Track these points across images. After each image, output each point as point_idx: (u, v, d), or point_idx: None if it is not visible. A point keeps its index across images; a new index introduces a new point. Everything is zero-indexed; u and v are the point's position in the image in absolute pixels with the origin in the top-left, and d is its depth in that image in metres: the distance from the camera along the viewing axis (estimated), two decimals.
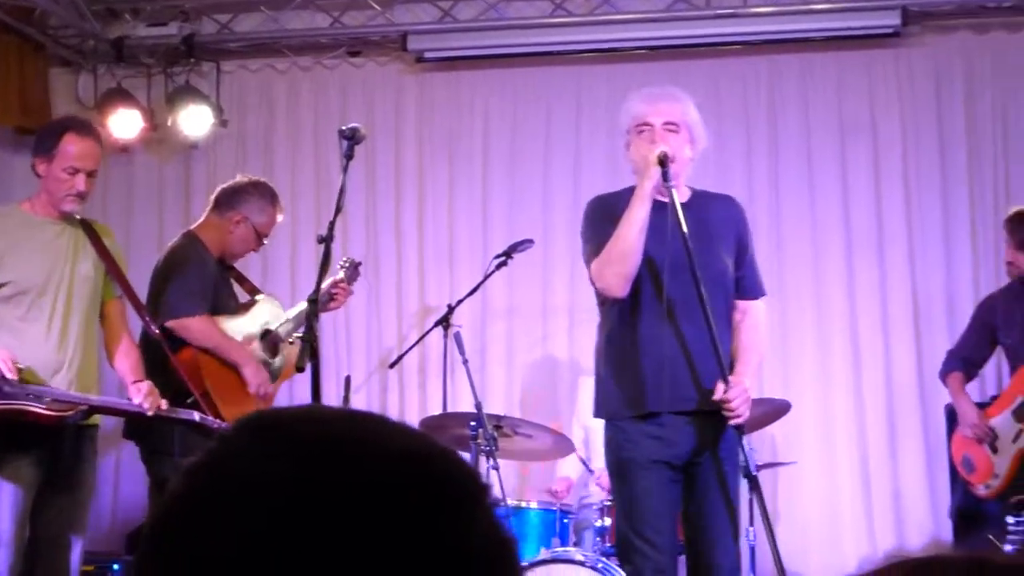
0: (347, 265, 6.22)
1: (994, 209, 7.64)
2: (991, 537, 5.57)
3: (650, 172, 4.49)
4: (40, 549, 5.04)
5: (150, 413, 4.98)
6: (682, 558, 4.79)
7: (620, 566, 4.87)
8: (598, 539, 6.04)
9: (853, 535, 7.55)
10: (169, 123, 8.20)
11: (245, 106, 8.53)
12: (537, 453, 6.49)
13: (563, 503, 6.37)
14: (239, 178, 6.09)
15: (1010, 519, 3.99)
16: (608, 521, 5.96)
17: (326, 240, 4.46)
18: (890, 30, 7.75)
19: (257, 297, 6.10)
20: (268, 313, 6.01)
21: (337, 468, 1.00)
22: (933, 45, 7.89)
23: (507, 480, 6.05)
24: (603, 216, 4.68)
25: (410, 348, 7.46)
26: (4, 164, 8.28)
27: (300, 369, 4.34)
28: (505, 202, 8.18)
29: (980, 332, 6.57)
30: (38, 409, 4.79)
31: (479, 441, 5.78)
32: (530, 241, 7.01)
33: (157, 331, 5.32)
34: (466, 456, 5.69)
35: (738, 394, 4.45)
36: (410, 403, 8.06)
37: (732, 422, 4.47)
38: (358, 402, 7.71)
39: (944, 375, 6.64)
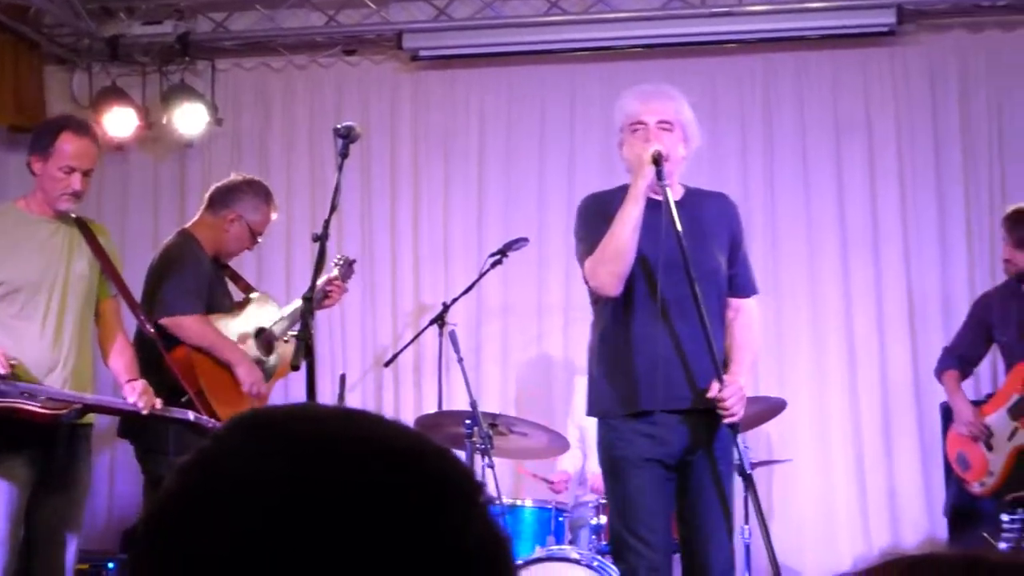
0: (341, 263, 6.22)
1: (989, 207, 7.65)
2: (986, 535, 5.58)
3: (644, 171, 4.49)
4: (35, 548, 5.04)
5: (144, 412, 4.97)
6: (676, 556, 4.79)
7: (615, 564, 4.87)
8: (593, 537, 6.05)
9: (848, 533, 7.56)
10: (164, 121, 8.19)
11: (240, 104, 8.52)
12: (532, 451, 6.48)
13: (558, 501, 6.37)
14: (233, 176, 6.09)
15: (1005, 517, 3.99)
16: (603, 519, 5.96)
17: (321, 238, 4.46)
18: (885, 29, 7.75)
19: (251, 295, 6.10)
20: (262, 311, 6.01)
21: (331, 467, 1.00)
22: (928, 44, 7.89)
23: (502, 478, 6.05)
24: (597, 214, 4.68)
25: (405, 346, 7.46)
26: None
27: (295, 367, 4.34)
28: (500, 200, 8.18)
29: (976, 330, 6.58)
30: (32, 407, 4.79)
31: (474, 439, 5.78)
32: (525, 239, 7.01)
33: (152, 330, 5.32)
34: (461, 455, 5.71)
35: (733, 392, 4.45)
36: (405, 401, 8.06)
37: (727, 421, 4.47)
38: (353, 400, 7.71)
39: (939, 373, 6.65)
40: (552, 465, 6.89)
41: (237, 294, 6.12)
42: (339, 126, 4.60)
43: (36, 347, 5.01)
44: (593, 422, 4.86)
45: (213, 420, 5.13)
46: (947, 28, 7.89)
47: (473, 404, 5.89)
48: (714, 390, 4.45)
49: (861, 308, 7.75)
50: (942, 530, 7.11)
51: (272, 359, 5.95)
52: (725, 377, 4.48)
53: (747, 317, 4.82)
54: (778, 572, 4.45)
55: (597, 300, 4.73)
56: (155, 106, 8.32)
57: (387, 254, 8.23)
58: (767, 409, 6.37)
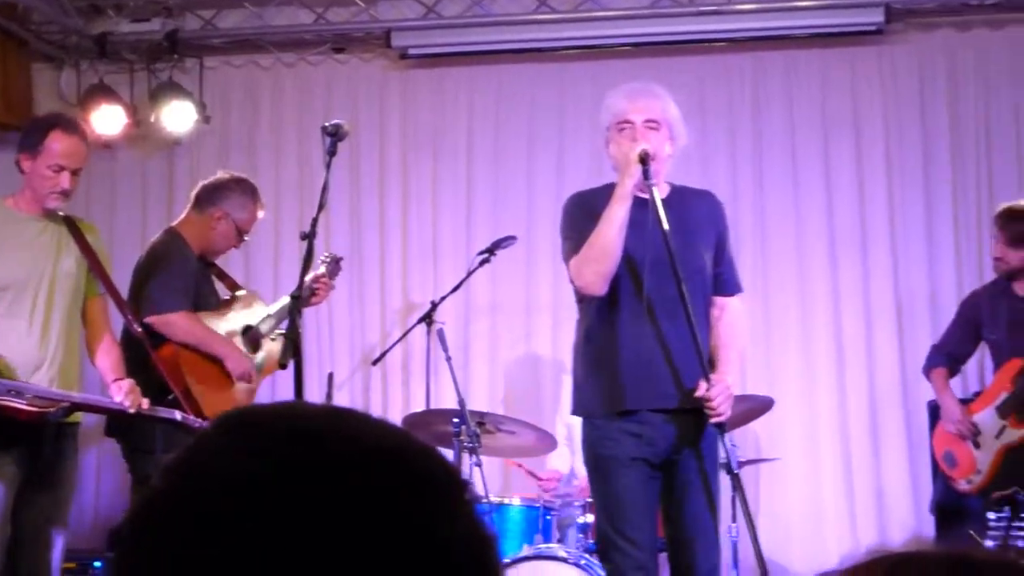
0: (328, 260, 6.23)
1: (976, 206, 7.67)
2: (972, 533, 5.59)
3: (631, 171, 4.49)
4: (21, 547, 5.03)
5: (131, 411, 4.97)
6: (663, 555, 4.79)
7: (601, 563, 4.87)
8: (581, 536, 6.04)
9: (835, 531, 7.57)
10: (152, 119, 8.17)
11: (228, 102, 8.51)
12: (520, 450, 6.49)
13: (546, 500, 6.37)
14: (220, 175, 6.09)
15: (991, 515, 4.00)
16: (591, 518, 5.96)
17: (309, 237, 4.47)
18: (873, 27, 7.76)
19: (238, 293, 6.10)
20: (249, 309, 6.01)
21: (318, 465, 1.00)
22: (916, 42, 7.90)
23: (490, 477, 6.05)
24: (583, 213, 4.68)
25: (393, 345, 7.46)
26: None
27: (283, 366, 4.34)
28: (489, 198, 8.18)
29: (964, 328, 6.59)
30: (19, 405, 4.78)
31: (462, 438, 5.78)
32: (513, 238, 7.02)
33: (139, 329, 5.32)
34: (449, 453, 5.71)
35: (720, 392, 4.46)
36: (393, 400, 8.05)
37: (714, 420, 4.48)
38: (341, 399, 7.71)
39: (928, 370, 6.66)
40: (541, 463, 6.89)
41: (224, 292, 6.12)
42: (327, 124, 4.60)
43: (23, 345, 5.00)
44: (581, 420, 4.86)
45: (200, 420, 5.12)
46: (935, 27, 7.90)
47: (461, 402, 5.89)
48: (701, 389, 4.45)
49: (849, 306, 7.76)
50: (929, 528, 7.12)
51: (259, 357, 5.94)
52: (712, 376, 4.48)
53: (732, 316, 4.83)
54: (765, 570, 4.45)
55: (582, 299, 4.73)
56: (143, 104, 8.30)
57: (375, 252, 8.22)
58: (755, 407, 6.38)
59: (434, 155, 8.26)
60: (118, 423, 5.44)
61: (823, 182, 7.87)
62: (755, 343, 7.66)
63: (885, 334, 7.69)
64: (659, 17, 7.92)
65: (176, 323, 5.58)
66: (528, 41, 8.13)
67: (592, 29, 8.03)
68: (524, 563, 5.63)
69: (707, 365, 4.51)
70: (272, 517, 0.97)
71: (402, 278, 8.19)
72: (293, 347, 4.28)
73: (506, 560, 5.61)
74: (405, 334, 7.39)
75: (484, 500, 5.79)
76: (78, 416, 5.16)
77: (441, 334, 6.39)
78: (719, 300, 4.78)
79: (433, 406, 6.96)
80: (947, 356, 6.63)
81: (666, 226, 4.42)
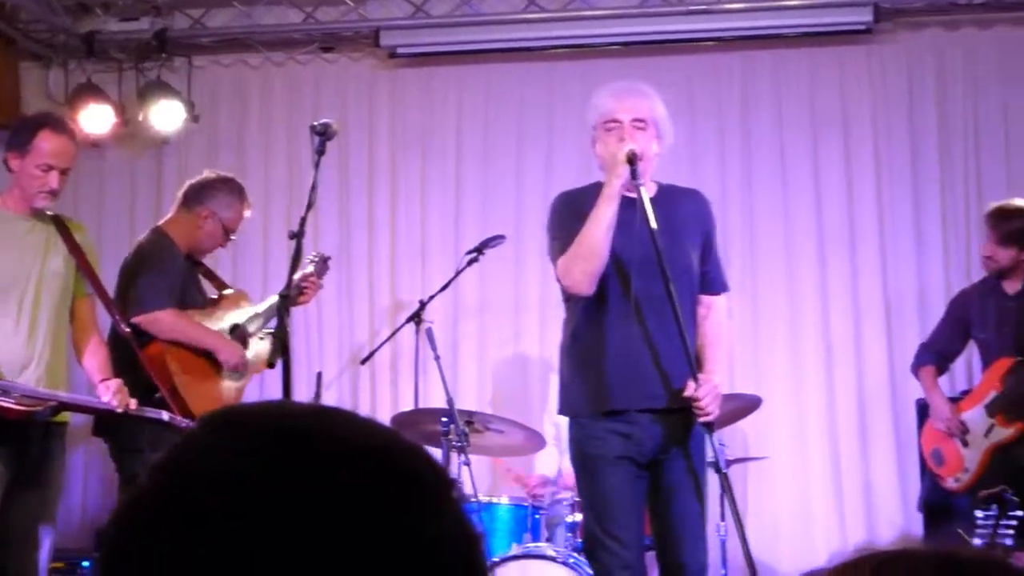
0: (316, 259, 6.23)
1: (965, 204, 7.69)
2: (960, 531, 5.60)
3: (618, 171, 4.48)
4: (8, 546, 5.02)
5: (119, 410, 4.96)
6: (651, 554, 4.79)
7: (588, 563, 4.87)
8: (569, 535, 6.04)
9: (824, 529, 7.58)
10: (140, 118, 8.16)
11: (217, 101, 8.50)
12: (509, 449, 6.49)
13: (535, 498, 6.37)
14: (207, 174, 6.08)
15: (979, 513, 4.00)
16: (579, 516, 5.96)
17: (298, 236, 4.46)
18: (862, 26, 7.78)
19: (225, 292, 6.10)
20: (237, 308, 6.00)
21: (305, 465, 1.00)
22: (905, 42, 7.92)
23: (479, 476, 6.05)
24: (570, 212, 4.67)
25: (382, 344, 7.46)
26: None
27: (271, 365, 4.34)
28: (477, 198, 8.18)
29: (954, 326, 6.60)
30: (6, 404, 4.77)
31: (451, 437, 5.78)
32: (502, 237, 7.02)
33: (127, 329, 5.31)
34: (438, 452, 5.71)
35: (708, 391, 4.45)
36: (382, 399, 8.05)
37: (702, 419, 4.47)
38: (330, 398, 7.70)
39: (916, 368, 6.67)
40: (529, 462, 6.90)
41: (211, 291, 6.11)
42: (316, 123, 4.60)
43: (10, 344, 4.99)
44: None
45: (188, 421, 5.11)
46: (923, 26, 7.92)
47: (450, 401, 5.89)
48: (690, 389, 4.45)
49: (837, 304, 7.77)
50: (917, 527, 7.14)
51: (246, 356, 5.94)
52: (700, 376, 4.48)
53: (718, 314, 4.83)
54: (753, 569, 4.46)
55: (569, 298, 4.73)
56: (131, 103, 8.29)
57: (364, 251, 8.22)
58: (743, 406, 6.39)
59: (423, 154, 8.25)
60: (106, 423, 5.43)
61: (812, 181, 7.89)
62: (743, 342, 7.67)
63: (873, 332, 7.70)
64: (648, 16, 7.93)
65: (163, 320, 5.57)
66: (517, 40, 8.13)
67: (581, 28, 8.04)
68: (513, 562, 5.64)
69: (695, 365, 4.51)
70: (259, 516, 0.97)
71: (391, 277, 8.19)
72: (281, 346, 4.28)
73: (495, 559, 5.62)
74: (394, 333, 7.38)
75: (473, 499, 5.79)
76: (66, 416, 5.15)
77: (430, 333, 6.38)
78: (705, 299, 4.77)
79: (422, 405, 6.96)
80: (936, 354, 6.64)
81: (654, 225, 4.42)
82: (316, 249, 6.63)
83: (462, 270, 7.05)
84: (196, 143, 8.38)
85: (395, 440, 1.07)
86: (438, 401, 6.37)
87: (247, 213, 6.07)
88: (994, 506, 4.04)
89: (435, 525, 1.01)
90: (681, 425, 4.54)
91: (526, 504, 6.22)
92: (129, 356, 5.30)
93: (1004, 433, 6.28)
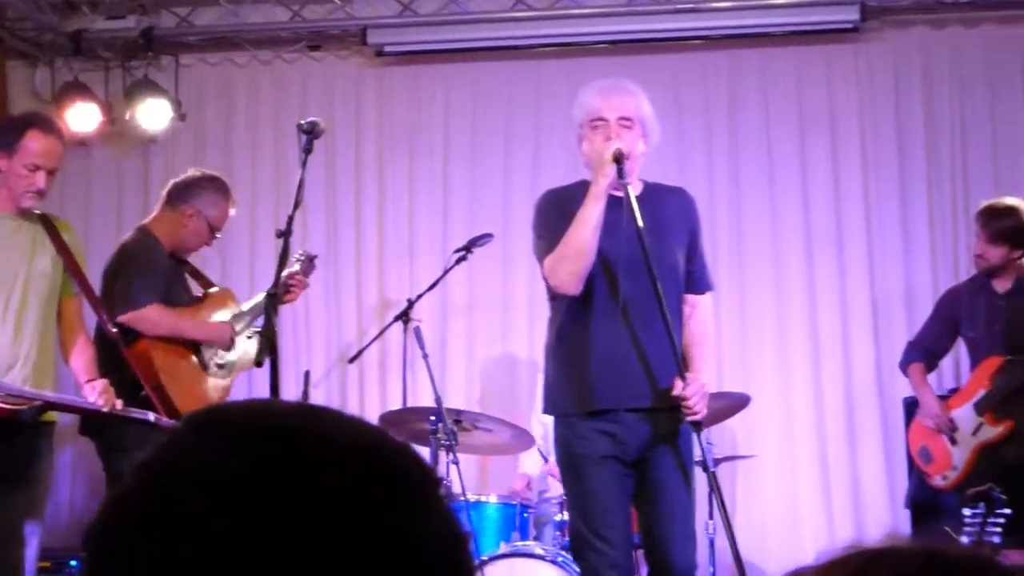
0: (302, 258, 6.22)
1: (952, 202, 7.71)
2: (948, 529, 5.61)
3: (605, 170, 4.47)
4: None
5: (105, 410, 4.95)
6: (640, 553, 4.79)
7: (575, 563, 4.86)
8: (558, 533, 6.05)
9: (812, 528, 7.59)
10: (127, 117, 8.14)
11: (204, 100, 8.49)
12: (497, 447, 6.49)
13: (523, 497, 6.37)
14: (191, 172, 6.08)
15: (967, 511, 4.01)
16: (568, 515, 5.96)
17: (285, 234, 4.46)
18: (849, 25, 7.79)
19: (211, 291, 6.09)
20: (223, 306, 6.00)
21: (292, 464, 0.99)
22: (891, 40, 7.94)
23: (467, 475, 6.04)
24: (556, 211, 4.66)
25: (370, 343, 7.45)
26: None
27: (259, 364, 4.33)
28: (465, 196, 8.18)
29: (943, 324, 6.61)
30: None
31: (439, 436, 5.78)
32: (490, 235, 7.01)
33: (114, 329, 5.30)
34: (426, 451, 5.70)
35: (696, 390, 4.45)
36: (370, 398, 8.04)
37: (690, 418, 4.47)
38: (318, 397, 7.69)
39: (905, 366, 6.67)
40: (514, 459, 6.90)
41: (197, 290, 6.11)
42: (303, 122, 4.59)
43: None
44: None
45: (173, 421, 5.10)
46: (910, 24, 7.94)
47: (438, 400, 5.89)
48: (677, 388, 4.44)
49: (825, 302, 7.78)
50: (905, 525, 7.15)
51: (232, 354, 5.94)
52: (688, 375, 4.48)
53: (704, 313, 4.83)
54: (741, 567, 4.46)
55: (555, 297, 4.71)
56: (118, 101, 8.27)
57: (352, 250, 8.22)
58: (731, 405, 6.39)
59: (410, 152, 8.25)
60: (92, 422, 5.42)
61: (799, 179, 7.90)
62: (731, 340, 7.68)
63: (861, 330, 7.71)
64: (635, 15, 7.94)
65: (147, 317, 5.56)
66: (504, 39, 8.13)
67: (568, 27, 8.04)
68: (501, 561, 5.64)
69: (682, 364, 4.51)
70: (244, 515, 0.96)
71: (378, 276, 8.18)
72: (269, 345, 4.27)
73: (483, 558, 5.61)
74: (382, 332, 7.38)
75: (461, 498, 5.79)
76: (53, 415, 5.14)
77: (418, 332, 6.38)
78: (690, 298, 4.77)
79: (410, 404, 6.95)
80: (924, 351, 6.65)
81: (640, 224, 4.41)
82: (304, 248, 6.63)
83: (450, 268, 7.05)
84: (183, 142, 8.36)
85: (382, 439, 1.06)
86: (426, 400, 6.36)
87: (232, 211, 6.07)
88: (982, 504, 4.05)
89: (422, 524, 1.01)
90: (668, 424, 4.54)
91: (514, 503, 6.22)
92: (115, 356, 5.29)
93: (993, 432, 6.29)
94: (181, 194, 5.93)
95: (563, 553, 5.64)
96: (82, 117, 8.01)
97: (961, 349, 6.84)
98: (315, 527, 0.97)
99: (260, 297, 5.98)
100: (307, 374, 6.21)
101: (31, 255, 5.12)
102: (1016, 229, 6.29)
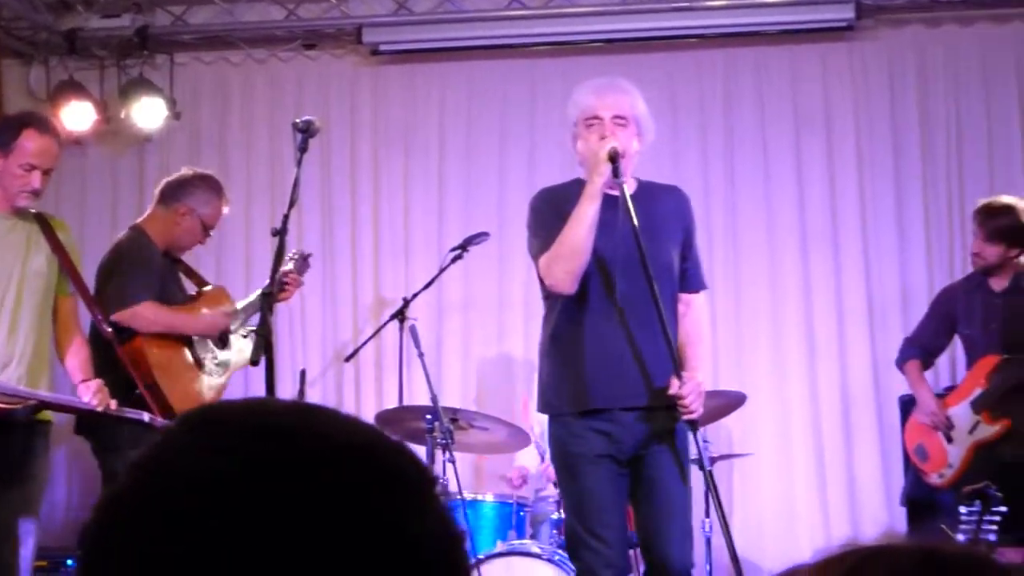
0: (296, 257, 6.22)
1: (947, 200, 7.72)
2: (944, 527, 5.62)
3: (600, 169, 4.46)
4: None
5: (99, 409, 4.95)
6: (637, 551, 4.79)
7: (571, 562, 4.85)
8: (554, 532, 6.05)
9: (808, 525, 7.60)
10: (122, 116, 8.14)
11: (199, 99, 8.48)
12: (493, 446, 6.49)
13: (519, 496, 6.37)
14: (184, 171, 6.08)
15: (963, 509, 4.01)
16: (563, 514, 5.97)
17: (280, 233, 4.45)
18: (844, 23, 7.80)
19: (205, 289, 6.09)
20: (217, 305, 6.00)
21: (288, 463, 0.99)
22: (886, 38, 7.94)
23: (463, 473, 6.04)
24: (550, 210, 4.65)
25: (366, 342, 7.45)
26: None
27: (255, 363, 4.32)
28: (460, 195, 8.18)
29: (939, 322, 6.61)
30: None
31: (435, 434, 5.78)
32: (485, 234, 7.01)
33: (109, 329, 5.30)
34: (422, 450, 5.70)
35: (692, 389, 4.44)
36: (366, 397, 8.04)
37: (686, 417, 4.47)
38: (314, 396, 7.69)
39: (901, 363, 6.67)
40: (511, 458, 6.90)
41: (191, 288, 6.11)
42: (298, 120, 4.59)
43: None
44: None
45: (168, 422, 5.09)
46: (905, 23, 7.94)
47: (434, 399, 5.89)
48: (674, 387, 4.43)
49: (820, 300, 7.79)
50: (901, 523, 7.15)
51: (225, 353, 5.94)
52: (684, 374, 4.47)
53: (698, 312, 4.82)
54: (738, 565, 4.45)
55: (549, 295, 4.71)
56: (113, 100, 8.27)
57: (347, 249, 8.21)
58: (727, 403, 6.39)
59: (406, 151, 8.25)
60: (86, 421, 5.42)
61: (794, 178, 7.90)
62: (727, 338, 7.69)
63: (856, 328, 7.72)
64: (630, 14, 7.94)
65: (141, 314, 5.56)
66: (499, 37, 8.13)
67: (563, 25, 8.04)
68: (498, 559, 5.64)
69: (678, 362, 4.50)
70: (239, 514, 0.96)
71: (374, 274, 8.18)
72: (265, 344, 4.26)
73: (480, 556, 5.62)
74: (378, 331, 7.37)
75: (457, 496, 5.79)
76: (49, 415, 5.14)
77: (414, 330, 6.38)
78: (684, 297, 4.76)
79: (406, 403, 6.94)
80: (920, 349, 6.65)
81: (636, 223, 4.41)
82: (299, 246, 6.63)
83: (446, 267, 7.04)
84: (178, 140, 8.36)
85: (378, 438, 1.06)
86: (422, 398, 6.36)
87: (226, 209, 6.07)
88: (978, 502, 4.05)
89: (418, 523, 1.01)
90: (664, 422, 4.53)
91: (511, 501, 6.22)
92: (110, 355, 5.29)
93: (989, 430, 6.29)
94: (174, 193, 5.93)
95: (559, 552, 5.64)
96: (77, 116, 8.01)
97: (957, 347, 6.84)
98: (311, 526, 0.96)
99: (254, 296, 5.99)
100: (303, 373, 6.20)
101: (26, 254, 5.11)
102: (1013, 227, 6.29)
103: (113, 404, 5.00)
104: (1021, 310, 6.31)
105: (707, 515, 6.35)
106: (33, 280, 5.11)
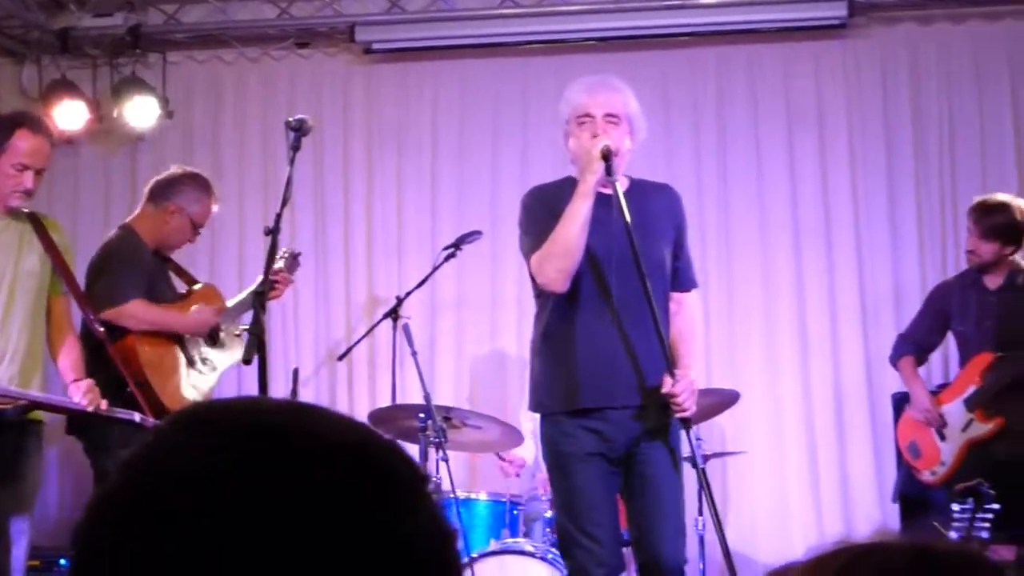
0: (286, 255, 6.22)
1: (939, 198, 7.72)
2: (936, 525, 5.63)
3: (593, 167, 4.46)
4: None
5: (90, 409, 4.95)
6: (629, 550, 4.79)
7: (563, 561, 4.85)
8: (547, 530, 6.04)
9: (801, 523, 7.60)
10: (115, 115, 8.13)
11: (192, 97, 8.47)
12: (486, 444, 6.49)
13: (512, 494, 6.36)
14: (173, 169, 6.09)
15: (955, 507, 4.01)
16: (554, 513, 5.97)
17: (273, 232, 4.44)
18: (836, 21, 7.81)
19: (195, 287, 6.09)
20: (207, 303, 5.99)
21: (281, 462, 0.99)
22: (879, 36, 7.95)
23: (457, 472, 6.04)
24: (543, 208, 4.65)
25: (359, 340, 7.44)
26: None
27: (247, 361, 4.32)
28: (453, 194, 8.17)
29: (933, 318, 6.61)
30: None
31: (428, 433, 5.77)
32: (478, 232, 7.01)
33: (101, 329, 5.29)
34: (415, 448, 5.70)
35: (685, 387, 4.44)
36: (359, 395, 8.04)
37: (679, 415, 4.47)
38: (307, 395, 7.69)
39: (895, 359, 6.67)
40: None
41: (181, 287, 6.11)
42: (291, 119, 4.58)
43: None
44: None
45: (159, 422, 5.09)
46: (897, 21, 7.95)
47: (427, 397, 5.89)
48: (667, 385, 4.44)
49: (813, 299, 7.79)
50: (894, 520, 7.15)
51: (219, 351, 5.94)
52: (677, 372, 4.47)
53: (690, 310, 4.83)
54: (731, 563, 4.45)
55: (541, 294, 4.70)
56: (106, 99, 8.26)
57: (340, 248, 8.21)
58: (720, 401, 6.40)
59: (398, 150, 8.25)
60: (77, 421, 5.42)
61: (787, 175, 7.91)
62: (720, 336, 7.69)
63: (849, 326, 7.72)
64: (622, 12, 7.94)
65: (131, 312, 5.56)
66: (492, 36, 8.13)
67: (556, 24, 8.04)
68: (491, 558, 5.64)
69: (671, 361, 4.50)
70: (231, 513, 0.96)
71: (367, 273, 8.18)
72: (257, 343, 4.26)
73: (473, 555, 5.62)
74: (371, 329, 7.37)
75: (451, 495, 5.78)
76: (41, 415, 5.13)
77: (407, 329, 6.37)
78: (676, 295, 4.76)
79: (399, 401, 6.94)
80: (914, 345, 6.65)
81: (629, 221, 4.41)
82: (292, 245, 6.62)
83: (439, 266, 7.04)
84: (171, 139, 8.35)
85: (370, 437, 1.06)
86: (415, 397, 6.36)
87: (215, 208, 6.08)
88: (970, 499, 4.06)
89: (411, 522, 1.01)
90: (657, 420, 4.53)
91: (504, 500, 6.22)
92: (101, 354, 5.29)
93: (983, 428, 6.30)
94: (163, 191, 5.94)
95: (553, 550, 5.64)
96: (69, 115, 8.00)
97: (949, 344, 6.85)
98: (302, 525, 0.96)
99: (245, 294, 5.99)
100: (296, 372, 6.21)
101: (18, 254, 5.11)
102: (1008, 225, 6.30)
103: (104, 404, 5.00)
104: (1015, 308, 6.31)
105: (700, 513, 6.36)
106: (26, 280, 5.11)
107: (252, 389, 5.13)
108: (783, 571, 1.28)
